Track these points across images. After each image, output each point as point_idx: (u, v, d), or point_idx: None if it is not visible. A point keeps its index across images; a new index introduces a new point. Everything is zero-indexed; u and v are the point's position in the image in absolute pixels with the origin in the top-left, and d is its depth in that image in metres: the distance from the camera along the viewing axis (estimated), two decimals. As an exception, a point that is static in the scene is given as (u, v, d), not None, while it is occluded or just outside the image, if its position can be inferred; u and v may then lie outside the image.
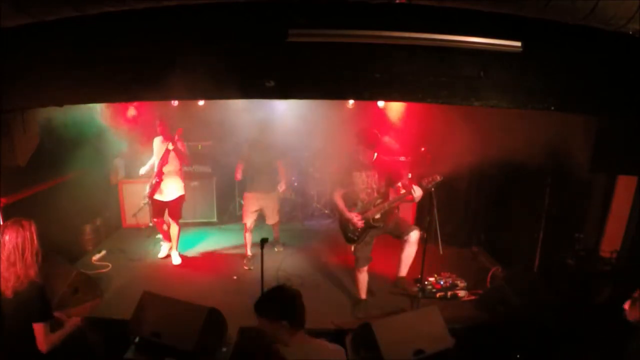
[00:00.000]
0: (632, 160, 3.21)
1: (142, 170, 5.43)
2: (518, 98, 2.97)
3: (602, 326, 3.20)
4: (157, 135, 5.27)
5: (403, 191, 3.99)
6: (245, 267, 5.23)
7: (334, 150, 7.22)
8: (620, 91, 2.88)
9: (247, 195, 5.36)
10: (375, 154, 4.16)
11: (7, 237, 2.53)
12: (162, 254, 5.58)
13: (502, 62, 2.81)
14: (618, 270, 3.87)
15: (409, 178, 5.27)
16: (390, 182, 4.19)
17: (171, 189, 5.21)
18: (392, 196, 4.20)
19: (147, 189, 5.24)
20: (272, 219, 5.50)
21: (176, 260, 5.39)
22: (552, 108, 2.98)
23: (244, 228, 5.39)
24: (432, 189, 3.96)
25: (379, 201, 4.16)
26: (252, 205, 5.31)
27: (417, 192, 3.91)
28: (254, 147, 5.16)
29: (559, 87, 2.92)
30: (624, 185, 3.95)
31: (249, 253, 5.40)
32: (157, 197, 5.21)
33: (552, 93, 2.94)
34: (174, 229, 5.36)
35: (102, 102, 5.14)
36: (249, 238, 5.38)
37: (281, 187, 5.38)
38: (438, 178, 3.92)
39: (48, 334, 2.58)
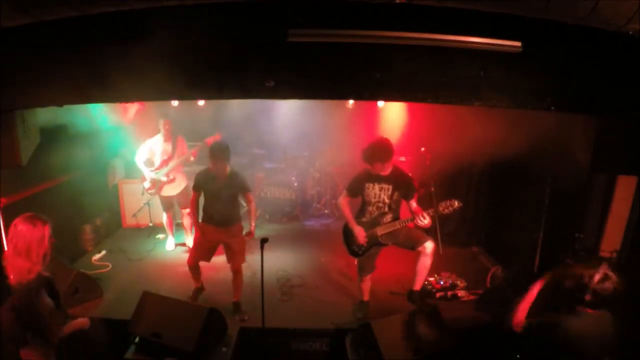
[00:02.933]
0: (632, 160, 3.20)
1: (164, 177, 5.57)
2: (518, 98, 2.97)
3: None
4: (157, 133, 5.56)
5: (415, 217, 3.77)
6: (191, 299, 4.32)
7: (336, 150, 7.26)
8: (620, 91, 2.88)
9: (201, 226, 4.22)
10: (392, 165, 3.89)
11: (20, 228, 2.55)
12: (170, 246, 5.90)
13: (502, 62, 2.81)
14: (618, 270, 3.86)
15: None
16: (405, 198, 3.95)
17: (177, 182, 5.61)
18: (403, 214, 3.97)
19: (147, 185, 5.59)
20: (233, 259, 4.20)
21: (190, 243, 5.69)
22: (552, 108, 2.98)
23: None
24: (447, 212, 3.78)
25: (388, 218, 3.93)
26: (204, 241, 4.18)
27: (425, 221, 3.69)
28: (206, 175, 4.13)
29: (559, 87, 2.92)
30: (624, 185, 3.95)
31: (198, 285, 4.44)
32: (165, 193, 5.62)
33: (552, 93, 2.94)
34: (187, 220, 5.77)
35: (102, 102, 5.15)
36: (195, 272, 4.33)
37: (250, 228, 4.21)
38: (456, 204, 3.70)
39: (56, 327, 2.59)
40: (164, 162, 5.53)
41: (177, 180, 5.60)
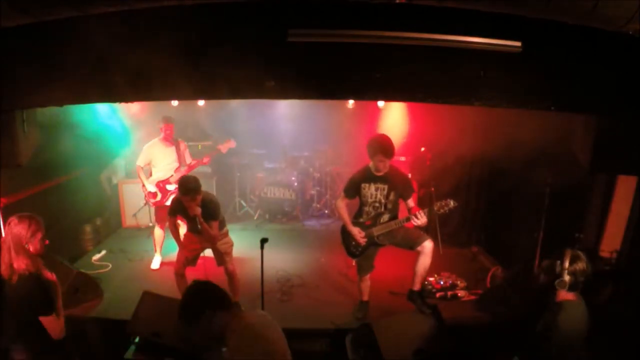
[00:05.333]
0: (632, 160, 3.20)
1: (151, 187, 5.22)
2: (518, 98, 2.97)
3: (601, 326, 3.20)
4: (157, 137, 5.28)
5: (410, 216, 3.75)
6: None
7: (336, 150, 7.27)
8: (620, 91, 2.88)
9: (186, 235, 4.24)
10: (388, 166, 3.84)
11: (11, 226, 2.55)
12: (155, 265, 5.36)
13: (502, 62, 2.81)
14: (618, 270, 3.87)
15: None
16: (402, 198, 3.93)
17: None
18: (400, 213, 3.96)
19: (152, 191, 5.22)
20: (223, 261, 4.21)
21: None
22: (552, 108, 2.98)
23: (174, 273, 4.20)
24: (445, 211, 3.75)
25: (386, 218, 3.92)
26: (189, 251, 4.16)
27: (421, 221, 3.68)
28: (180, 203, 3.96)
29: (559, 87, 2.92)
30: (624, 185, 3.95)
31: None
32: (169, 202, 5.09)
33: (552, 93, 2.94)
34: (182, 230, 5.25)
35: (102, 102, 5.16)
36: (182, 283, 4.11)
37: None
38: (452, 204, 3.68)
39: (55, 322, 2.56)
40: (168, 171, 5.25)
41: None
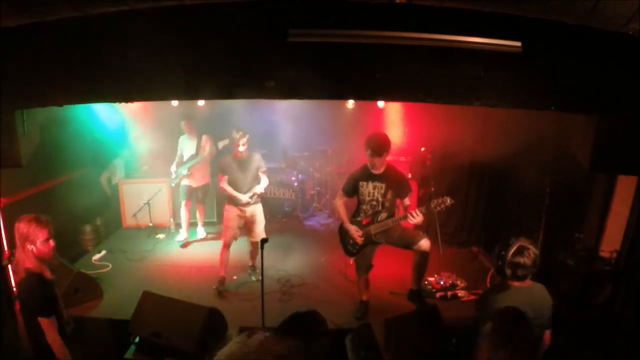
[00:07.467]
0: (632, 160, 3.20)
1: (185, 171, 5.91)
2: (518, 98, 2.97)
3: (601, 326, 3.21)
4: (183, 133, 5.99)
5: (406, 214, 3.77)
6: (216, 287, 4.65)
7: (336, 150, 7.26)
8: (620, 91, 2.88)
9: (229, 208, 4.76)
10: (385, 164, 3.88)
11: (17, 224, 2.61)
12: (180, 237, 6.13)
13: (502, 62, 2.80)
14: (618, 270, 3.87)
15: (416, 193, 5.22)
16: (399, 196, 3.95)
17: (200, 176, 6.00)
18: (397, 212, 3.99)
19: (174, 176, 5.97)
20: (256, 235, 4.81)
21: (201, 234, 6.32)
22: (552, 108, 2.98)
23: (221, 245, 4.79)
24: (441, 209, 3.76)
25: (383, 216, 3.94)
26: (233, 220, 4.74)
27: (417, 219, 3.67)
28: (231, 161, 4.67)
29: (559, 87, 2.92)
30: (624, 185, 3.96)
31: (223, 273, 4.76)
32: (187, 183, 5.96)
33: (552, 93, 2.93)
34: (200, 210, 6.29)
35: (102, 102, 5.16)
36: (225, 256, 4.76)
37: (257, 190, 4.72)
38: (448, 201, 3.69)
39: (52, 332, 2.53)
40: (190, 159, 5.88)
41: (196, 176, 5.93)
